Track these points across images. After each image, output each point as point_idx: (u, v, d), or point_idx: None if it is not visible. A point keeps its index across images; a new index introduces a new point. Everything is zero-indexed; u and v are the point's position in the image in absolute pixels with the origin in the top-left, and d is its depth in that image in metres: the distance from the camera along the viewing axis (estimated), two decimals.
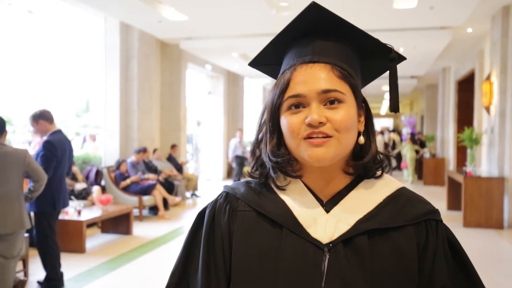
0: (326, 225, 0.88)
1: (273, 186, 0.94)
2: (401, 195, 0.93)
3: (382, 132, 17.19)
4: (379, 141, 14.34)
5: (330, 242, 0.87)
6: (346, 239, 0.87)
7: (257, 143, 0.97)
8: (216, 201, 0.98)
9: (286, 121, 0.88)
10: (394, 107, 0.96)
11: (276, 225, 0.90)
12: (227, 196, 0.96)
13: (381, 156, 0.94)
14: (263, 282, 0.87)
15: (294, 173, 0.91)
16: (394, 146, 16.33)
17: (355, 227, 0.87)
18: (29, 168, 3.68)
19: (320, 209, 0.90)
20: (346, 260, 0.85)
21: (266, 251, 0.89)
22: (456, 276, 0.90)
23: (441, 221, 0.93)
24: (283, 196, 0.93)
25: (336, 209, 0.90)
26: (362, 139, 0.91)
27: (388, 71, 0.97)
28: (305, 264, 0.86)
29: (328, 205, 0.91)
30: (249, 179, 0.99)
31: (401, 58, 0.96)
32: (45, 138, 4.32)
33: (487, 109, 7.90)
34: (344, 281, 0.84)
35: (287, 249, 0.87)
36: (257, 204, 0.92)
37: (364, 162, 0.91)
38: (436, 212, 0.93)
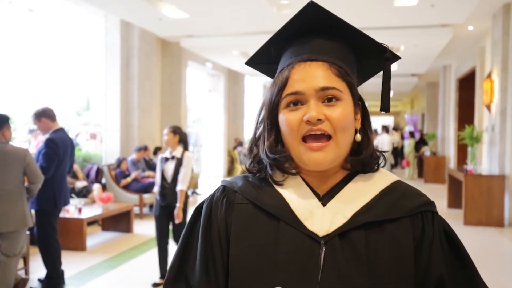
0: (322, 218, 0.89)
1: (270, 180, 0.95)
2: (397, 187, 0.94)
3: (387, 131, 16.16)
4: (385, 140, 13.93)
5: (327, 235, 0.87)
6: (343, 232, 0.87)
7: (254, 141, 0.98)
8: (213, 194, 0.99)
9: (284, 118, 0.89)
10: (385, 107, 0.97)
11: (273, 217, 0.91)
12: (225, 190, 0.97)
13: (378, 152, 0.96)
14: (260, 274, 0.88)
15: (291, 170, 0.92)
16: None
17: (351, 220, 0.88)
18: (28, 168, 3.67)
19: (317, 202, 0.91)
20: (343, 253, 0.86)
21: (263, 244, 0.89)
22: (452, 265, 0.91)
23: (437, 212, 0.94)
24: (280, 189, 0.93)
25: (332, 203, 0.91)
26: (358, 137, 0.93)
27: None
28: (302, 257, 0.87)
29: (325, 198, 0.92)
30: (247, 173, 0.99)
31: (396, 57, 0.97)
32: (47, 136, 4.32)
33: (488, 107, 7.89)
34: (340, 274, 0.85)
35: (284, 241, 0.88)
36: (254, 197, 0.93)
37: (362, 158, 0.92)
38: (431, 203, 0.94)
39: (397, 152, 16.30)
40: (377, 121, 25.05)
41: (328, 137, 0.87)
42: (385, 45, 0.95)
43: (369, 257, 0.86)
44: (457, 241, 0.93)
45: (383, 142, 13.49)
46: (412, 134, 14.62)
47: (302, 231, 0.88)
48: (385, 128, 16.07)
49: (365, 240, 0.87)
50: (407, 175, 13.83)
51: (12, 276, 3.65)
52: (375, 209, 0.89)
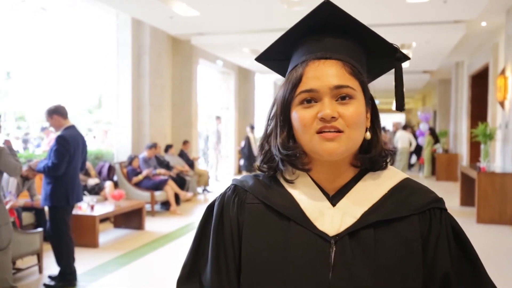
0: (332, 218, 0.90)
1: (281, 179, 0.96)
2: (406, 185, 0.95)
3: (405, 127, 15.50)
4: (404, 137, 13.59)
5: (337, 235, 0.89)
6: (352, 232, 0.89)
7: (266, 137, 0.98)
8: (224, 193, 1.00)
9: (298, 115, 0.90)
10: (400, 106, 0.99)
11: (284, 217, 0.92)
12: (235, 189, 0.98)
13: (387, 150, 0.96)
14: (273, 274, 0.89)
15: (303, 166, 0.93)
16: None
17: (360, 220, 0.89)
18: None
19: (327, 203, 0.92)
20: (352, 252, 0.87)
21: (275, 243, 0.91)
22: (459, 263, 0.92)
23: (446, 209, 0.94)
24: (290, 189, 0.94)
25: (342, 202, 0.92)
26: (368, 135, 0.94)
27: (392, 69, 1.00)
28: (314, 256, 0.88)
29: (335, 198, 0.93)
30: (258, 172, 1.00)
31: (406, 57, 0.98)
32: (59, 133, 4.36)
33: (501, 104, 7.80)
34: (351, 273, 0.86)
35: (295, 241, 0.89)
36: (265, 196, 0.94)
37: (371, 156, 0.93)
38: (440, 200, 0.94)
39: (413, 151, 16.04)
40: (389, 119, 24.88)
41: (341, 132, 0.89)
42: (395, 45, 0.96)
43: (378, 255, 0.87)
44: (464, 238, 0.94)
45: (403, 139, 13.28)
46: (432, 131, 14.42)
47: (312, 231, 0.89)
48: (403, 126, 15.78)
49: (374, 239, 0.88)
50: (424, 174, 13.62)
51: (4, 272, 3.46)
52: (384, 208, 0.91)
